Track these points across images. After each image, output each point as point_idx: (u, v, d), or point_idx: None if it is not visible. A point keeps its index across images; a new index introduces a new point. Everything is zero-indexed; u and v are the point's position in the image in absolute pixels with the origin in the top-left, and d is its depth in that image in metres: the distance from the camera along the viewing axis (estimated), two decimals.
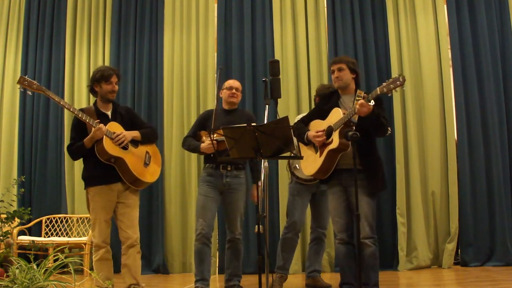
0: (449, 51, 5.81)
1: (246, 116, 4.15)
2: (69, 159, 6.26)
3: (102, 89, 3.68)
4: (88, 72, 6.46)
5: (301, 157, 3.19)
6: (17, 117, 6.53)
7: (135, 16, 6.47)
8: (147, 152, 3.76)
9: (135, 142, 3.71)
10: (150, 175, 3.74)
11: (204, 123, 4.07)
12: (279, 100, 3.50)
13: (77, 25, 6.59)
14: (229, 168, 3.96)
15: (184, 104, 6.10)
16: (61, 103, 3.63)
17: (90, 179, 3.65)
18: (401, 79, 3.15)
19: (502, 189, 5.49)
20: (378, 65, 5.91)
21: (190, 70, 6.17)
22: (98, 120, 3.57)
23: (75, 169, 6.21)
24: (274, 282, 4.08)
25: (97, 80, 3.69)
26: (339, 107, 3.48)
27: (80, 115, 3.54)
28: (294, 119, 4.47)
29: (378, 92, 3.21)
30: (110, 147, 3.52)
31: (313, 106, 4.60)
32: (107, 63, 6.36)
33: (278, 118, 3.13)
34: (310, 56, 5.98)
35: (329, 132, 3.42)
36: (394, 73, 5.75)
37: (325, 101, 3.65)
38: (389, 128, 4.96)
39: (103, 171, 3.57)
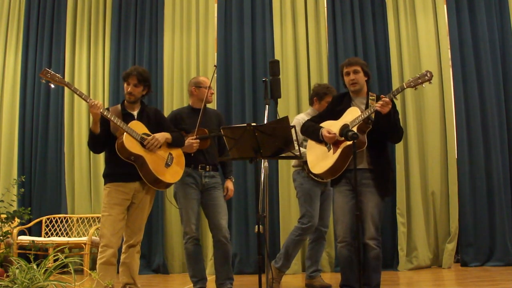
0: (449, 51, 5.82)
1: (215, 113, 4.19)
2: (69, 159, 6.27)
3: (124, 89, 3.68)
4: (88, 72, 6.46)
5: (300, 157, 3.17)
6: (17, 117, 6.54)
7: (135, 17, 6.48)
8: (170, 154, 3.67)
9: None
10: (170, 176, 3.63)
11: (178, 124, 3.95)
12: (279, 100, 3.51)
13: (77, 25, 6.60)
14: (207, 169, 3.90)
15: (184, 104, 6.08)
16: (83, 97, 3.55)
17: (108, 176, 3.61)
18: (428, 75, 3.22)
19: (502, 189, 5.49)
20: (378, 65, 5.91)
21: (190, 70, 6.17)
22: (97, 102, 3.46)
23: (75, 169, 6.21)
24: (274, 280, 4.07)
25: (122, 79, 3.70)
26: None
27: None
28: (293, 119, 4.44)
29: (405, 87, 3.26)
30: (130, 144, 3.45)
31: None
32: (107, 64, 6.37)
33: (278, 118, 3.13)
34: (310, 56, 5.98)
35: (344, 129, 3.40)
36: (394, 73, 5.76)
37: (337, 102, 3.60)
38: None
39: (122, 169, 3.51)
